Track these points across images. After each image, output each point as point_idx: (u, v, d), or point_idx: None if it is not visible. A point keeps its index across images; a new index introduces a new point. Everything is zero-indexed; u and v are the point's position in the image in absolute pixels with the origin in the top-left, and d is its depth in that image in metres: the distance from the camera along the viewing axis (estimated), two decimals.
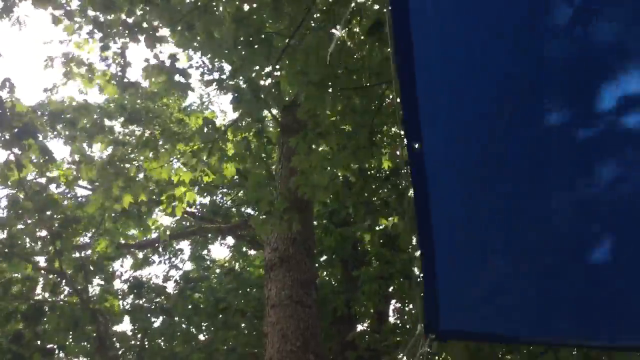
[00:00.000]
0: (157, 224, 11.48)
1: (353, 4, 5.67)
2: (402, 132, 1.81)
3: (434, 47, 1.70)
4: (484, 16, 1.65)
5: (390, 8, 1.64)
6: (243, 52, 5.96)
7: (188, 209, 12.55)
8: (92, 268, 9.10)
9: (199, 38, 6.22)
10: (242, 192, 12.11)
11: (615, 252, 1.84)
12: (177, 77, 6.95)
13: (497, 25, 1.65)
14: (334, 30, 5.84)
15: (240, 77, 6.52)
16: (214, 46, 6.20)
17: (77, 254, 8.62)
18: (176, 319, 10.82)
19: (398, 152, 7.06)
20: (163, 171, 7.92)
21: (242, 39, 5.87)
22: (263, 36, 5.89)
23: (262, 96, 6.00)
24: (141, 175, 8.21)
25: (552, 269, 1.93)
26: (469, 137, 1.83)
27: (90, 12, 7.01)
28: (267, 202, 6.93)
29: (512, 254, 1.98)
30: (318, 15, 5.98)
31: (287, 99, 8.67)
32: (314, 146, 6.47)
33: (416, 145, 1.79)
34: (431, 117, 1.78)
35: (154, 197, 8.39)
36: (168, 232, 10.99)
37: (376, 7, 5.51)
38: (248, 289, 11.15)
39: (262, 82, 6.17)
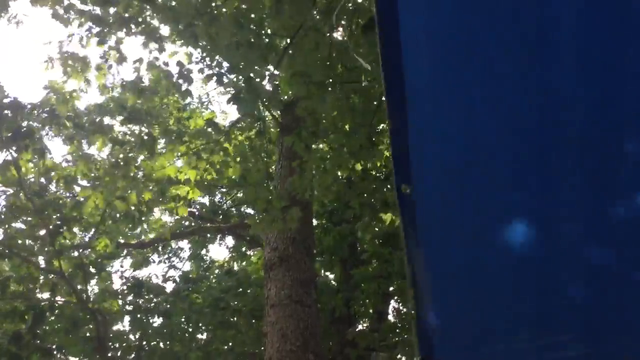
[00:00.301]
0: (159, 223, 11.49)
1: (351, 5, 5.69)
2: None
3: (427, 96, 1.71)
4: (479, 64, 1.66)
5: (382, 60, 1.65)
6: (242, 54, 5.96)
7: (188, 209, 12.57)
8: (92, 270, 9.12)
9: (200, 42, 6.24)
10: (241, 192, 12.11)
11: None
12: (180, 81, 6.96)
13: (492, 72, 1.67)
14: (336, 35, 5.88)
15: (240, 77, 6.53)
16: (214, 45, 6.21)
17: (76, 254, 8.62)
18: (175, 318, 10.82)
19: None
20: (169, 169, 7.92)
21: (241, 41, 5.88)
22: (263, 38, 5.91)
23: (261, 97, 6.02)
24: (140, 174, 8.22)
25: (546, 314, 1.95)
26: (461, 184, 1.83)
27: (87, 7, 7.01)
28: (264, 200, 6.93)
29: (507, 300, 1.99)
30: (317, 16, 5.98)
31: (285, 97, 8.70)
32: (313, 146, 6.48)
33: (408, 191, 1.78)
34: (421, 163, 1.77)
35: (159, 197, 8.39)
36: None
37: (373, 9, 5.51)
38: (248, 289, 11.15)
39: (260, 82, 6.18)
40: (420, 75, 1.68)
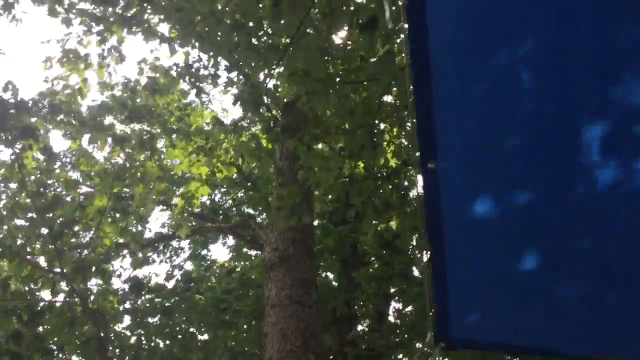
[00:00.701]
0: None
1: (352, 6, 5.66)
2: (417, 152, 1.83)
3: (452, 76, 1.73)
4: (500, 51, 1.68)
5: (408, 34, 1.67)
6: (241, 55, 5.96)
7: (188, 208, 12.55)
8: (93, 269, 9.09)
9: (197, 42, 6.21)
10: (242, 191, 12.09)
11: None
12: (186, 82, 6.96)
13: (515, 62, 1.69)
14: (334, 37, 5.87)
15: (240, 77, 6.53)
16: (215, 46, 6.20)
17: (77, 254, 8.60)
18: (177, 318, 10.81)
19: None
20: (181, 166, 7.91)
21: (240, 42, 5.87)
22: (263, 39, 5.90)
23: (262, 97, 6.01)
24: (141, 171, 8.19)
25: (571, 279, 1.92)
26: (485, 148, 1.84)
27: (87, 6, 6.99)
28: (277, 197, 6.92)
29: (529, 262, 1.97)
30: (318, 14, 5.97)
31: (285, 100, 8.68)
32: (315, 147, 6.47)
33: (430, 165, 1.81)
34: (447, 138, 1.79)
35: (163, 194, 8.37)
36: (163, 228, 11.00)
37: (372, 6, 5.49)
38: (248, 289, 11.13)
39: (261, 82, 6.17)
40: (445, 57, 1.71)
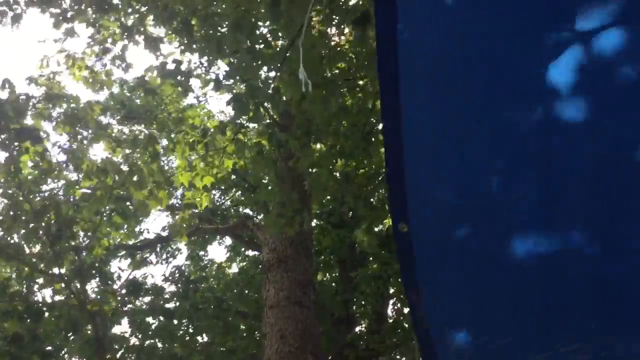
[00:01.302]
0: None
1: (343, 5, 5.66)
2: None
3: (424, 140, 1.72)
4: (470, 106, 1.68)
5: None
6: (241, 58, 5.95)
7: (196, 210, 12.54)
8: (94, 271, 9.10)
9: (197, 40, 6.19)
10: (239, 192, 12.08)
11: None
12: (180, 79, 6.90)
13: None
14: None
15: (238, 79, 6.52)
16: (212, 47, 6.18)
17: (76, 255, 8.60)
18: (177, 319, 10.81)
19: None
20: (184, 176, 7.87)
21: (240, 45, 5.86)
22: (261, 40, 5.89)
23: (261, 100, 6.00)
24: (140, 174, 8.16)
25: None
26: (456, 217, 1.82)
27: (88, 15, 6.98)
28: (279, 203, 6.91)
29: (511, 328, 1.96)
30: (315, 17, 5.97)
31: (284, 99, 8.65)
32: (308, 142, 6.45)
33: (405, 229, 1.76)
34: (418, 201, 1.76)
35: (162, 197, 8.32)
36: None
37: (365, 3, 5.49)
38: (247, 290, 11.14)
39: (260, 85, 6.15)
40: (417, 121, 1.70)
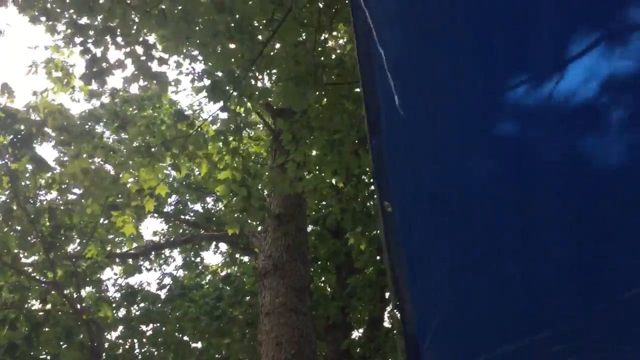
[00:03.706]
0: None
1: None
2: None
3: (399, 122, 1.74)
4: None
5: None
6: (221, 44, 5.84)
7: (182, 217, 12.53)
8: (87, 278, 9.06)
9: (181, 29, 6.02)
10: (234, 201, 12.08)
11: None
12: (154, 68, 6.70)
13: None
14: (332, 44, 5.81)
15: (218, 70, 6.39)
16: (191, 36, 6.04)
17: (69, 262, 8.56)
18: (169, 327, 10.77)
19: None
20: (161, 187, 7.73)
21: (220, 29, 5.75)
22: (244, 27, 5.79)
23: (241, 89, 5.89)
24: (131, 180, 8.09)
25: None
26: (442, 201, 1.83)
27: (68, 15, 6.89)
28: (241, 197, 6.88)
29: (494, 313, 1.96)
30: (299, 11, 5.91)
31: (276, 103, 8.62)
32: (303, 143, 6.41)
33: (389, 209, 1.76)
34: (401, 181, 1.77)
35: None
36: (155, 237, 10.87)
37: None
38: (242, 297, 11.11)
39: (239, 74, 6.05)
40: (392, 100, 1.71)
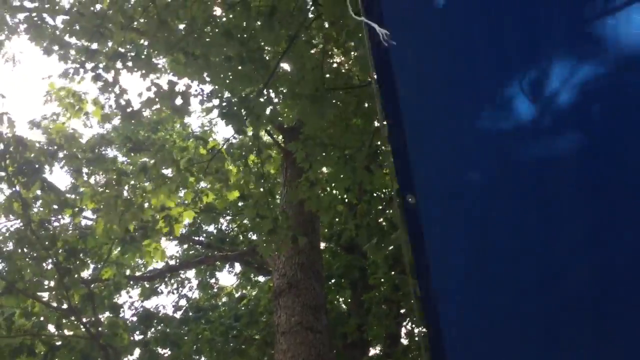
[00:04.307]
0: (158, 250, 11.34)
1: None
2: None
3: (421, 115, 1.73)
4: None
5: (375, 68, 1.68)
6: (233, 68, 5.90)
7: (195, 238, 12.54)
8: (105, 300, 9.07)
9: (197, 63, 6.14)
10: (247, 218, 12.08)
11: None
12: (177, 101, 6.78)
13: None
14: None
15: (229, 94, 6.45)
16: (211, 71, 6.15)
17: (84, 286, 8.58)
18: (184, 348, 10.73)
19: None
20: (188, 213, 7.78)
21: (231, 54, 5.81)
22: (254, 52, 5.85)
23: (254, 112, 5.92)
24: (146, 205, 8.12)
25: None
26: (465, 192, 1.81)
27: (79, 42, 6.97)
28: (269, 220, 6.85)
29: (517, 313, 1.93)
30: (309, 32, 5.97)
31: (286, 124, 8.65)
32: (316, 161, 6.42)
33: (410, 200, 1.75)
34: (425, 171, 1.76)
35: (152, 222, 8.23)
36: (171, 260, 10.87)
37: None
38: (259, 317, 11.06)
39: (254, 98, 6.09)
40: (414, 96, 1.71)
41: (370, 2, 1.62)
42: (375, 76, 1.68)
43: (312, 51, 6.01)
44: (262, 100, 5.99)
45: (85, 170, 8.93)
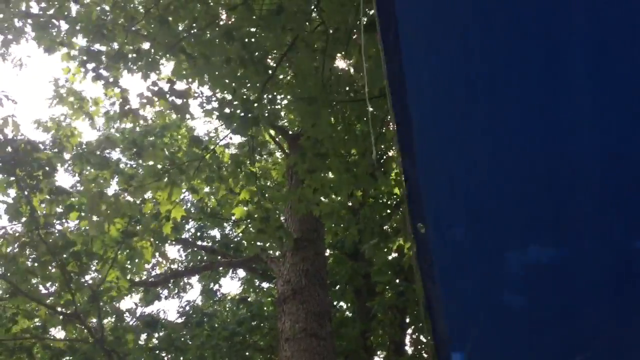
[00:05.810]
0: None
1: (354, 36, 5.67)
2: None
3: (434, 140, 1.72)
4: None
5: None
6: (233, 70, 5.90)
7: (199, 243, 12.54)
8: (108, 303, 9.07)
9: (195, 64, 6.12)
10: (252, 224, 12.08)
11: None
12: (176, 100, 6.75)
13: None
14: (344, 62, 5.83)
15: (227, 94, 6.44)
16: (211, 71, 6.13)
17: (90, 290, 8.58)
18: (189, 354, 10.71)
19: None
20: (176, 210, 7.73)
21: (232, 56, 5.81)
22: (255, 53, 5.85)
23: (256, 114, 5.91)
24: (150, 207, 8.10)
25: None
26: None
27: (82, 42, 7.01)
28: (260, 219, 6.85)
29: (527, 336, 1.92)
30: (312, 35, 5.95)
31: (292, 130, 8.64)
32: (318, 171, 6.40)
33: (423, 230, 1.74)
34: (435, 200, 1.74)
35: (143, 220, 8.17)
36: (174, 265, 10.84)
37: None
38: (262, 323, 11.05)
39: (253, 99, 6.08)
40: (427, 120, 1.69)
41: (385, 18, 1.60)
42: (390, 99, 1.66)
43: (314, 53, 5.99)
44: (262, 102, 5.99)
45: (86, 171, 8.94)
